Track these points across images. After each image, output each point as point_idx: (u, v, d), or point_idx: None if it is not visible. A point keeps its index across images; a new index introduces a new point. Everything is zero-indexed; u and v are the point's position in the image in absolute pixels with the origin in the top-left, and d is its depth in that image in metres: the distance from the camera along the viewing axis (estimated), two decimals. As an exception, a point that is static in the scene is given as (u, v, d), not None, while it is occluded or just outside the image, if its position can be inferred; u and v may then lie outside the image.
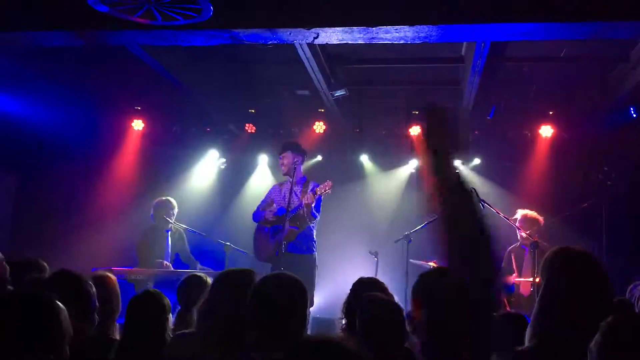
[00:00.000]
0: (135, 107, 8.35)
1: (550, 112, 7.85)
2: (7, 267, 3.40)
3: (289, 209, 6.13)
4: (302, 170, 6.59)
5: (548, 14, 4.44)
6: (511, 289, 6.70)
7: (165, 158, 8.51)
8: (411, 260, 6.67)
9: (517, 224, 6.63)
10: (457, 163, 7.83)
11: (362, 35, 4.65)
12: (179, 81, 7.21)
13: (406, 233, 6.63)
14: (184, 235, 6.94)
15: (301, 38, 4.81)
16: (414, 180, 8.66)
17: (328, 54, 6.66)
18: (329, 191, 6.19)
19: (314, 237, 6.39)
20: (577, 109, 7.70)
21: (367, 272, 6.90)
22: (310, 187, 6.33)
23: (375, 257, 6.94)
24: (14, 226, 8.33)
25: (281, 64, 7.02)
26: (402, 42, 4.77)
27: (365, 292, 3.08)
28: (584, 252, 2.39)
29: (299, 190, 6.36)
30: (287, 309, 2.38)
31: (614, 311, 2.21)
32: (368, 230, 8.22)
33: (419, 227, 6.66)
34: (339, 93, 7.20)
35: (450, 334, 2.13)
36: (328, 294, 6.93)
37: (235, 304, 2.63)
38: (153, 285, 5.75)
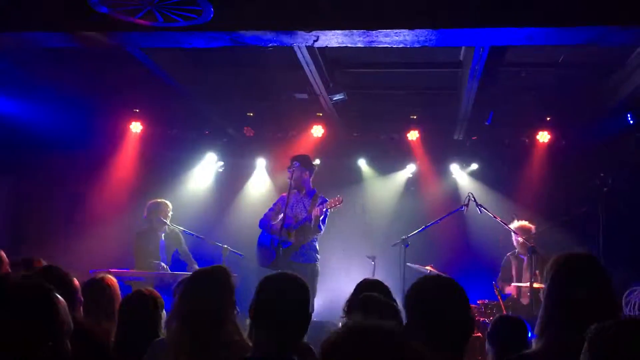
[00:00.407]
0: (134, 110, 8.35)
1: (548, 118, 7.89)
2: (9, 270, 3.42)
3: (297, 221, 6.24)
4: (310, 183, 6.59)
5: (547, 19, 4.47)
6: (508, 294, 6.72)
7: (164, 160, 8.50)
8: (408, 264, 6.68)
9: (513, 229, 6.66)
10: (455, 168, 7.87)
11: (362, 38, 4.66)
12: (178, 84, 7.21)
13: (403, 237, 6.63)
14: (181, 235, 6.92)
15: (301, 41, 4.82)
16: (411, 184, 8.69)
17: (327, 58, 6.68)
18: (340, 206, 6.25)
19: (317, 247, 6.45)
20: (575, 115, 7.74)
21: (364, 276, 6.87)
22: (319, 201, 6.37)
23: (373, 261, 6.95)
24: (11, 228, 8.31)
25: (280, 68, 7.03)
26: (401, 45, 4.78)
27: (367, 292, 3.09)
28: (588, 256, 2.41)
29: (307, 203, 6.40)
30: (293, 308, 2.39)
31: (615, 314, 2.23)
32: (365, 234, 8.24)
33: (416, 231, 6.68)
34: (337, 97, 7.21)
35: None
36: (325, 298, 6.92)
37: (204, 303, 2.68)
38: (150, 287, 5.75)
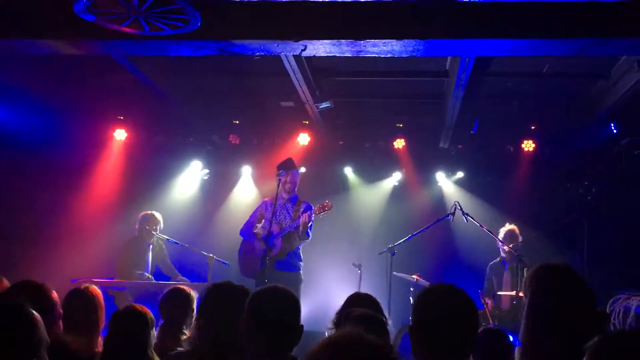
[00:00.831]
0: (118, 117, 8.27)
1: (533, 127, 7.95)
2: None
3: (282, 227, 6.22)
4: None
5: (532, 30, 4.51)
6: (493, 303, 6.74)
7: (148, 168, 8.42)
8: (395, 272, 6.68)
9: (499, 237, 6.68)
10: (441, 177, 7.88)
11: (349, 48, 4.66)
12: (163, 91, 7.16)
13: (390, 246, 6.64)
14: (164, 247, 6.90)
15: (289, 50, 4.81)
16: (398, 192, 8.71)
17: (314, 66, 6.67)
18: (330, 212, 6.25)
19: (301, 255, 6.44)
20: (559, 124, 7.82)
21: (350, 285, 6.94)
22: (303, 206, 6.37)
23: (359, 269, 6.94)
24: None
25: (266, 75, 7.01)
26: (389, 55, 4.80)
27: (357, 306, 3.07)
28: (565, 267, 2.42)
29: (291, 208, 6.40)
30: (286, 322, 2.38)
31: (595, 324, 2.24)
32: (352, 242, 8.23)
33: (403, 240, 6.68)
34: (323, 105, 7.20)
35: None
36: (311, 306, 6.89)
37: (233, 320, 2.59)
38: (134, 297, 5.68)
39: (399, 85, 7.48)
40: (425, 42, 4.55)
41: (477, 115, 7.73)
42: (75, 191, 8.21)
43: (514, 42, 4.62)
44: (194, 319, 3.92)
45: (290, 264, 6.31)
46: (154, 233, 6.68)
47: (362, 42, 4.53)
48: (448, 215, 6.61)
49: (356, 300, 3.31)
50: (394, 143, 8.24)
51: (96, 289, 3.66)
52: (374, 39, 4.50)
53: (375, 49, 4.68)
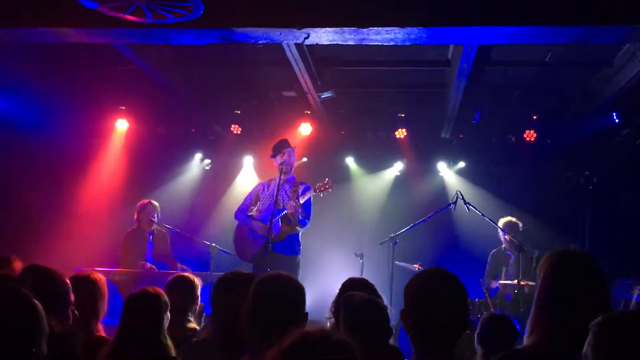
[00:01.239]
0: (120, 107, 8.27)
1: (534, 117, 7.94)
2: None
3: (280, 209, 6.08)
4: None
5: (535, 18, 4.50)
6: (494, 291, 6.77)
7: (150, 158, 8.44)
8: (396, 262, 6.70)
9: (501, 227, 6.70)
10: (442, 166, 7.84)
11: (352, 36, 4.66)
12: (165, 81, 7.16)
13: (391, 235, 6.66)
14: (167, 237, 6.90)
15: (292, 38, 4.80)
16: (399, 182, 8.72)
17: (316, 56, 6.67)
18: (330, 190, 6.17)
19: (300, 239, 6.35)
20: (561, 113, 7.81)
21: (352, 274, 6.88)
22: (301, 188, 6.27)
23: (361, 259, 6.96)
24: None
25: (268, 65, 7.00)
26: (392, 43, 4.78)
27: (353, 291, 3.08)
28: (583, 253, 2.42)
29: (289, 189, 6.28)
30: (290, 309, 2.38)
31: (606, 308, 2.25)
32: (353, 232, 8.24)
33: (404, 229, 6.70)
34: (325, 95, 7.21)
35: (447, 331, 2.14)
36: (313, 296, 6.89)
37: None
38: (138, 285, 5.69)
39: (401, 75, 7.48)
40: (428, 29, 4.53)
41: (479, 105, 7.73)
42: (77, 181, 8.24)
43: (517, 30, 4.60)
44: (198, 305, 3.95)
45: (288, 246, 6.18)
46: (153, 220, 6.68)
47: (365, 30, 4.52)
48: (450, 205, 6.61)
49: (351, 286, 3.31)
50: (396, 133, 8.24)
51: (99, 275, 3.66)
52: (377, 26, 4.48)
53: (378, 37, 4.67)
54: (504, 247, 6.91)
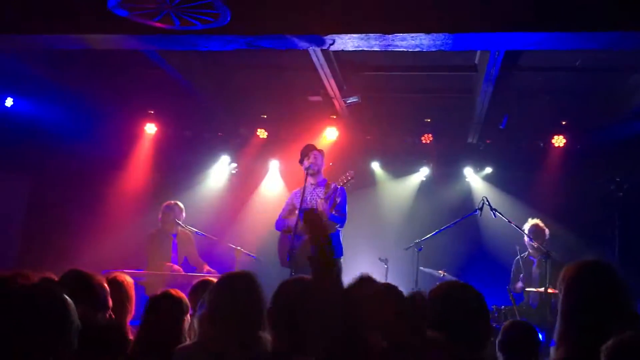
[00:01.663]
0: (149, 111, 8.40)
1: (563, 122, 7.84)
2: None
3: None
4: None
5: (563, 23, 4.45)
6: (521, 297, 6.69)
7: (178, 162, 8.55)
8: (421, 267, 6.67)
9: (527, 233, 6.61)
10: (469, 172, 7.71)
11: (378, 42, 4.66)
12: (192, 86, 7.25)
13: (416, 241, 6.64)
14: (193, 239, 6.96)
15: (317, 44, 4.83)
16: (425, 187, 8.67)
17: (342, 61, 6.68)
18: (353, 181, 6.07)
19: (340, 239, 6.18)
20: (590, 118, 7.69)
21: (376, 279, 6.93)
22: (332, 188, 6.15)
23: (385, 264, 6.95)
24: (26, 227, 8.39)
25: (294, 70, 7.05)
26: (417, 49, 4.78)
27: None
28: (602, 263, 2.39)
29: (321, 192, 6.18)
30: (309, 312, 2.40)
31: (629, 324, 2.21)
32: (378, 236, 8.22)
33: (430, 235, 6.67)
34: (351, 100, 7.22)
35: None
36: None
37: (238, 309, 2.62)
38: (164, 288, 5.77)
39: (427, 80, 7.46)
40: (454, 35, 4.52)
41: (506, 110, 7.64)
42: (107, 184, 8.39)
43: (545, 36, 4.56)
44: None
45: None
46: (177, 221, 6.75)
47: (390, 36, 4.52)
48: (476, 211, 6.55)
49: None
50: (422, 138, 8.21)
51: (127, 278, 3.72)
52: (403, 32, 4.49)
53: (404, 43, 4.67)
54: (528, 253, 6.83)
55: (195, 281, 4.14)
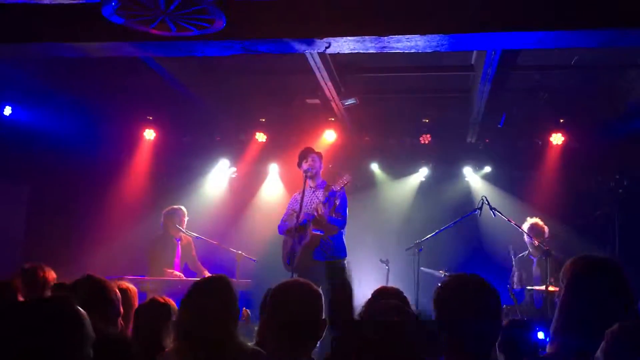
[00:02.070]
0: (148, 117, 8.41)
1: (561, 120, 7.84)
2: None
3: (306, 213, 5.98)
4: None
5: (560, 22, 4.45)
6: (521, 296, 6.68)
7: (177, 167, 8.56)
8: (422, 268, 6.67)
9: (527, 231, 6.62)
10: (468, 171, 7.69)
11: (373, 44, 4.67)
12: (190, 91, 7.26)
13: (417, 241, 6.64)
14: (192, 244, 6.97)
15: (313, 48, 4.84)
16: (425, 188, 8.68)
17: (338, 63, 6.70)
18: (349, 184, 6.02)
19: (343, 241, 6.15)
20: (588, 116, 7.70)
21: (378, 281, 6.94)
22: (331, 191, 6.07)
23: (386, 265, 6.96)
24: (27, 234, 8.40)
25: (292, 73, 7.06)
26: (413, 51, 4.79)
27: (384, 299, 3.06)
28: (607, 259, 2.40)
29: (321, 195, 6.14)
30: (306, 315, 2.41)
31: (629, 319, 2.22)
32: (379, 238, 8.22)
33: (430, 235, 6.67)
34: (349, 102, 7.22)
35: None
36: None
37: (206, 313, 2.58)
38: (165, 294, 5.77)
39: (425, 80, 7.46)
40: (450, 36, 4.53)
41: (504, 108, 7.65)
42: (107, 191, 8.40)
43: (541, 35, 4.56)
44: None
45: (326, 251, 6.00)
46: (179, 227, 6.75)
47: (385, 38, 4.53)
48: (475, 210, 6.55)
49: (382, 295, 3.31)
50: (420, 138, 8.21)
51: (130, 285, 3.73)
52: (398, 34, 4.49)
53: (399, 45, 4.68)
54: (528, 252, 6.83)
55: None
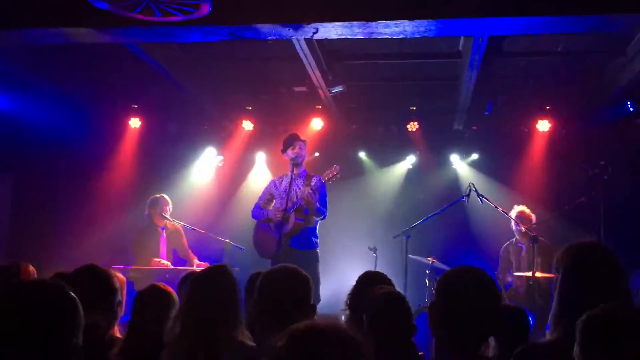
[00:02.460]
0: (133, 105, 8.33)
1: (547, 107, 7.88)
2: None
3: (293, 202, 5.97)
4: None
5: (546, 7, 4.45)
6: (510, 284, 6.74)
7: (163, 156, 8.48)
8: (410, 255, 6.69)
9: (514, 219, 6.65)
10: (455, 159, 7.71)
11: (361, 30, 4.65)
12: (176, 78, 7.19)
13: (404, 229, 6.64)
14: (182, 232, 6.92)
15: (301, 33, 4.80)
16: (412, 175, 8.70)
17: (326, 50, 6.65)
18: (338, 176, 5.95)
19: (317, 231, 6.20)
20: (574, 103, 7.73)
21: (366, 268, 6.88)
22: (314, 181, 6.06)
23: (374, 253, 6.96)
24: (11, 224, 8.31)
25: (278, 60, 7.00)
26: (401, 36, 4.77)
27: (372, 285, 3.06)
28: (601, 246, 2.40)
29: (301, 184, 6.12)
30: (295, 300, 2.40)
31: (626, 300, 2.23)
32: (367, 226, 8.24)
33: (418, 222, 6.68)
34: (336, 89, 7.19)
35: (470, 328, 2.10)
36: (327, 290, 6.92)
37: (211, 305, 2.60)
38: (153, 282, 5.73)
39: (412, 67, 7.44)
40: (437, 21, 4.52)
41: (491, 96, 7.67)
42: (93, 180, 8.33)
43: (528, 20, 4.57)
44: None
45: (305, 241, 6.04)
46: (164, 215, 6.71)
47: (373, 23, 4.51)
48: (463, 197, 6.57)
49: (367, 279, 3.29)
50: (408, 126, 8.21)
51: (121, 277, 3.69)
52: (386, 20, 4.47)
53: (387, 30, 4.66)
54: (516, 239, 6.87)
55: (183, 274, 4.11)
